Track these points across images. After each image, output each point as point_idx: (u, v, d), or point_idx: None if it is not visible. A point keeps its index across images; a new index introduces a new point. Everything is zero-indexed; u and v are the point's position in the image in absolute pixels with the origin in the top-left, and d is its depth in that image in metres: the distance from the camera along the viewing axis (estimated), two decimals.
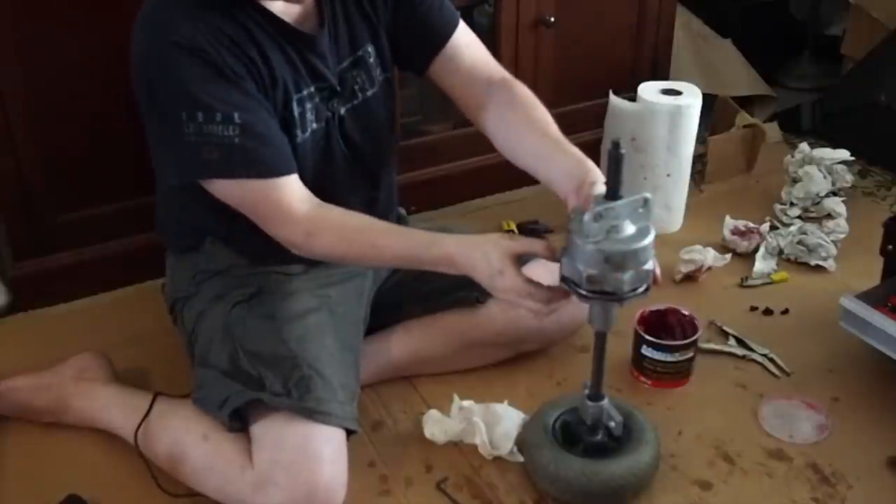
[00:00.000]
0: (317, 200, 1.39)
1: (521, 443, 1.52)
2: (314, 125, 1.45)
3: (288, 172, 1.37)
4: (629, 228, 1.24)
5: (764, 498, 1.48)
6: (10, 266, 1.90)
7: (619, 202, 1.22)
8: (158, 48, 1.31)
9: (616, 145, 1.20)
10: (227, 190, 1.37)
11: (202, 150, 1.32)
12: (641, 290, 1.26)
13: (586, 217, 1.21)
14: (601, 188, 1.28)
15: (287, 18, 1.39)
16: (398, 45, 1.55)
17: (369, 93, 1.52)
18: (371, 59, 1.51)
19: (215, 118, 1.30)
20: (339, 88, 1.47)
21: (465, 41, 1.55)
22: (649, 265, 1.25)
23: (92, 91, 1.80)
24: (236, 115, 1.31)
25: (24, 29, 1.71)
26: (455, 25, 1.54)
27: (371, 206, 1.56)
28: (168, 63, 1.30)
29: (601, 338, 1.38)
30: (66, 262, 1.92)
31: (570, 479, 1.41)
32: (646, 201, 1.24)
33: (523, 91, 1.51)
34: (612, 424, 1.45)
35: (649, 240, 1.24)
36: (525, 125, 1.47)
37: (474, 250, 1.33)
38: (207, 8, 1.32)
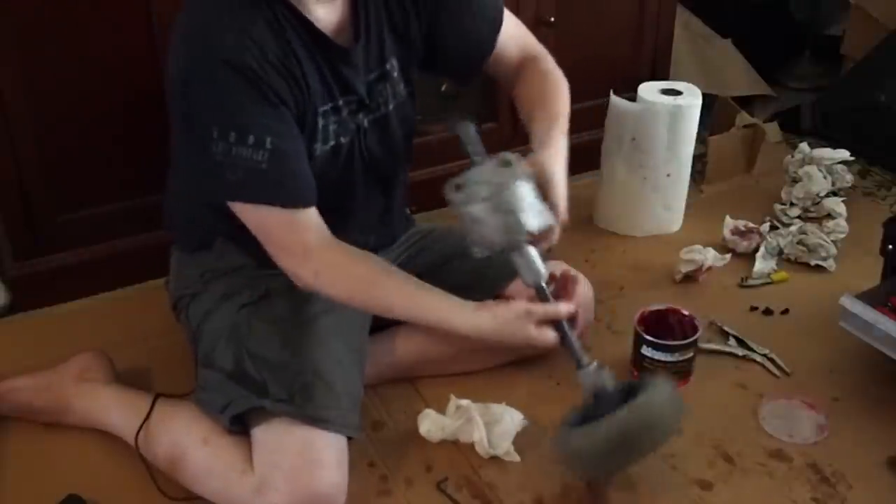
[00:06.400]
0: (331, 237, 1.39)
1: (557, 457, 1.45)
2: (341, 139, 1.45)
3: (308, 204, 1.37)
4: (484, 189, 1.32)
5: (764, 498, 1.48)
6: (10, 266, 1.90)
7: (473, 170, 1.35)
8: (205, 64, 1.29)
9: (460, 119, 1.33)
10: (244, 212, 1.37)
11: (226, 171, 1.31)
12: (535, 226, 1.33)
13: (446, 187, 1.33)
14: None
15: (325, 30, 1.38)
16: (446, 56, 1.56)
17: (391, 106, 1.52)
18: (395, 74, 1.51)
19: (247, 140, 1.29)
20: (367, 101, 1.47)
21: (509, 33, 1.58)
22: (527, 216, 1.32)
23: (92, 91, 1.80)
24: (268, 140, 1.29)
25: (24, 29, 1.71)
26: (500, 23, 1.56)
27: (384, 215, 1.60)
28: (212, 80, 1.28)
29: (541, 293, 1.39)
30: (66, 262, 1.92)
31: (587, 447, 1.34)
32: (507, 162, 1.34)
33: (544, 66, 1.58)
34: (611, 383, 1.37)
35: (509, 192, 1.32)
36: (531, 98, 1.53)
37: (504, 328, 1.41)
38: (251, 18, 1.30)
